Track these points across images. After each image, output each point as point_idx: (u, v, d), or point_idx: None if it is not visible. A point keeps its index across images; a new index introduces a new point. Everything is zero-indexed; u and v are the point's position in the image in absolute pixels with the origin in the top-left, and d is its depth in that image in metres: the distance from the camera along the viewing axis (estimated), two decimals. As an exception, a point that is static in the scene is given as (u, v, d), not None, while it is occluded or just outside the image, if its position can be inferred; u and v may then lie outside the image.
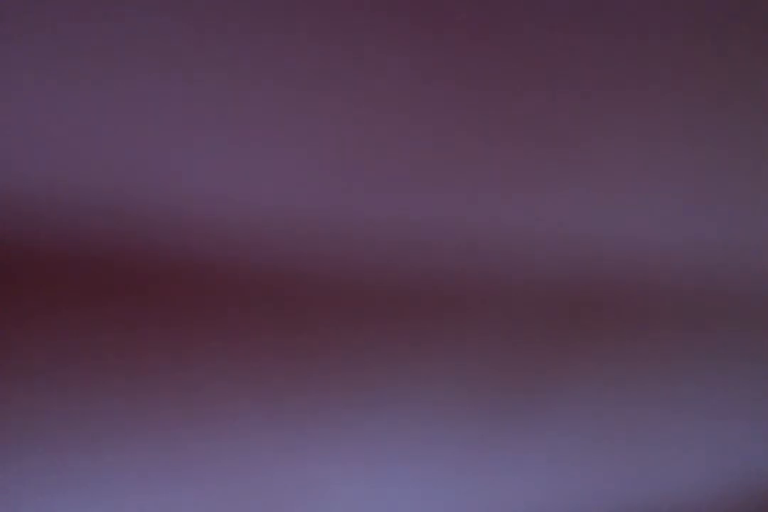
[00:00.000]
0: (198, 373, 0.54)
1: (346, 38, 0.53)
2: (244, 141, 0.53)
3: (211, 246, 0.53)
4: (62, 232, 0.51)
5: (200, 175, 0.53)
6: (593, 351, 0.58)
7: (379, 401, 0.56)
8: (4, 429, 0.51)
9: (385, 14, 0.53)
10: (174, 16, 0.51)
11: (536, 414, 0.57)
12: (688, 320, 0.59)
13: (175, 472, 0.53)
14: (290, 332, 0.55)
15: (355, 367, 0.55)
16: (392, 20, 0.54)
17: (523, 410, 0.57)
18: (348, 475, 0.56)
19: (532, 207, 0.57)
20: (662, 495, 0.61)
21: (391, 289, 0.56)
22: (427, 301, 0.56)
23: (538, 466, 0.58)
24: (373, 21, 0.53)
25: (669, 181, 0.58)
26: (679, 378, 0.59)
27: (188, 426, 0.53)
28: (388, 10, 0.53)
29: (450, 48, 0.54)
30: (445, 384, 0.56)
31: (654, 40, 0.56)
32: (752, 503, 0.64)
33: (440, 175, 0.56)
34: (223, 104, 0.53)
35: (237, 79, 0.53)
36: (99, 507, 0.53)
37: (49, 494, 0.52)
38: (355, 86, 0.54)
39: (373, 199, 0.55)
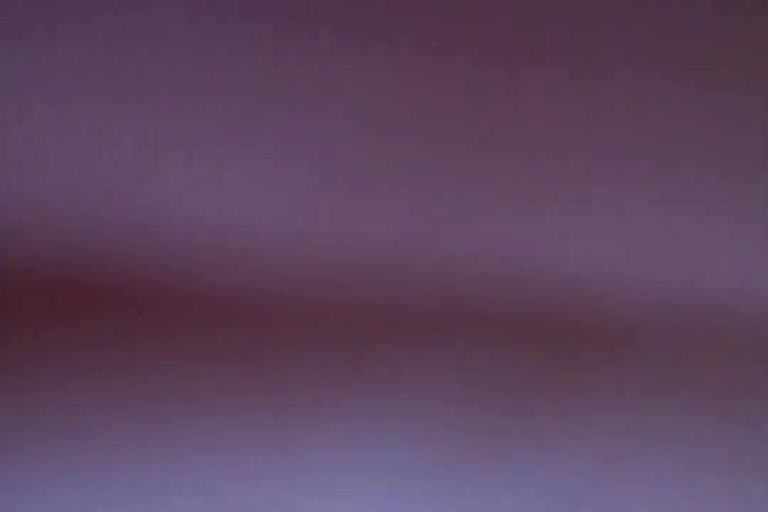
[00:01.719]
0: (199, 381, 0.54)
1: (340, 61, 0.53)
2: (238, 164, 0.53)
3: (204, 263, 0.53)
4: (51, 251, 0.52)
5: (186, 196, 0.53)
6: (583, 380, 0.58)
7: (365, 419, 0.55)
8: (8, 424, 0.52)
9: (385, 32, 0.53)
10: (167, 51, 0.52)
11: (522, 441, 0.57)
12: (681, 352, 0.59)
13: (175, 470, 0.53)
14: (285, 347, 0.55)
15: (337, 386, 0.55)
16: (389, 38, 0.54)
17: (510, 434, 0.57)
18: (338, 491, 0.56)
19: (527, 233, 0.57)
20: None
21: (382, 310, 0.56)
22: (416, 323, 0.56)
23: (522, 492, 0.58)
24: (370, 40, 0.53)
25: (667, 218, 0.58)
26: (671, 412, 0.59)
27: (189, 431, 0.53)
28: (387, 30, 0.53)
29: (442, 58, 0.54)
30: (430, 407, 0.56)
31: (654, 71, 0.56)
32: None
33: (433, 199, 0.55)
34: (214, 125, 0.53)
35: (227, 102, 0.53)
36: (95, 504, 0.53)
37: (50, 487, 0.52)
38: (345, 101, 0.54)
39: (366, 221, 0.55)
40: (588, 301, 0.58)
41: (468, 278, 0.56)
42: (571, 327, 0.57)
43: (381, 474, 0.55)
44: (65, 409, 0.52)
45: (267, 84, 0.53)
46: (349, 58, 0.53)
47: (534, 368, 0.57)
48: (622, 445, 0.57)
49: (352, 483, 0.55)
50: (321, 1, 0.52)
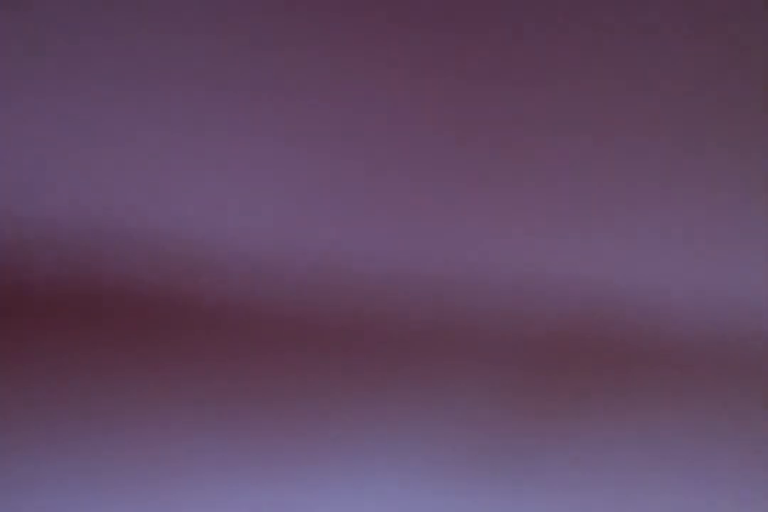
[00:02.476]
0: (202, 387, 0.54)
1: (342, 64, 0.53)
2: (236, 182, 0.53)
3: (204, 278, 0.53)
4: (57, 265, 0.52)
5: (189, 208, 0.53)
6: (586, 406, 0.57)
7: (362, 448, 0.55)
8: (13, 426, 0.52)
9: (388, 34, 0.53)
10: (170, 80, 0.52)
11: (523, 470, 0.57)
12: (691, 377, 0.58)
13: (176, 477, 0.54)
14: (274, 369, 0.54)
15: (339, 396, 0.55)
16: (394, 40, 0.54)
17: (509, 467, 0.56)
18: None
19: (533, 251, 0.56)
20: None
21: (385, 321, 0.55)
22: (414, 346, 0.56)
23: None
24: (375, 42, 0.53)
25: (682, 230, 0.57)
26: (676, 440, 0.58)
27: (192, 436, 0.53)
28: (390, 31, 0.53)
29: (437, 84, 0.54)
30: (432, 423, 0.56)
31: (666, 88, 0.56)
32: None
33: (435, 218, 0.55)
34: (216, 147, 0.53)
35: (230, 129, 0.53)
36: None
37: (55, 488, 0.53)
38: (351, 110, 0.54)
39: (367, 233, 0.55)
40: (599, 316, 0.57)
41: (472, 293, 0.56)
42: (580, 342, 0.57)
43: (384, 488, 0.54)
44: (71, 413, 0.53)
45: (270, 89, 0.53)
46: (352, 62, 0.53)
47: (541, 384, 0.57)
48: (630, 465, 0.57)
49: (355, 495, 0.54)
50: (324, 8, 0.52)
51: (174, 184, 0.53)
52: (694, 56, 0.56)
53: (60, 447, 0.52)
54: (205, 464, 0.53)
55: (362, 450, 0.55)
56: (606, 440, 0.57)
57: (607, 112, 0.56)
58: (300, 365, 0.54)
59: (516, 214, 0.56)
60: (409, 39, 0.54)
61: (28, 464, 0.52)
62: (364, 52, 0.54)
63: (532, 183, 0.56)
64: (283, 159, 0.54)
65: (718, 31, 0.56)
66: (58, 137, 0.52)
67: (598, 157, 0.56)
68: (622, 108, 0.56)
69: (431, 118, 0.55)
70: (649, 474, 0.57)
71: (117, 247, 0.53)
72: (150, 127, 0.53)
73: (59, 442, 0.52)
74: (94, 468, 0.53)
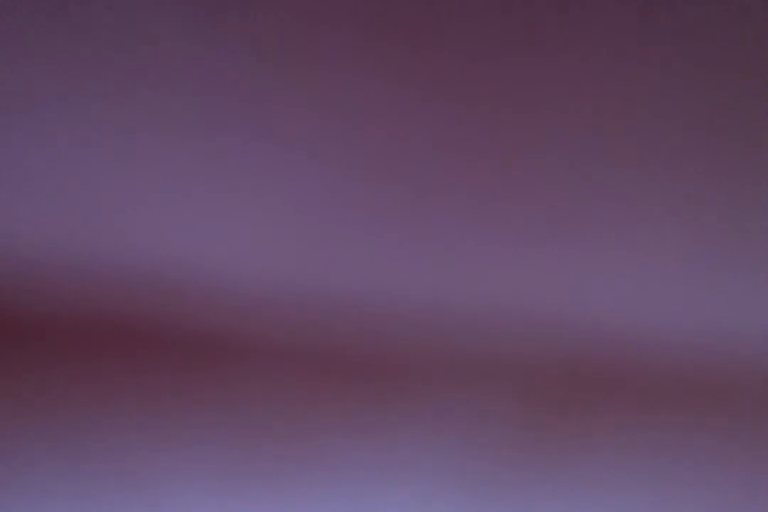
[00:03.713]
0: (214, 414, 0.54)
1: (338, 112, 0.53)
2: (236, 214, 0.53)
3: (202, 310, 0.53)
4: (53, 297, 0.52)
5: (188, 243, 0.53)
6: (591, 432, 0.57)
7: (367, 472, 0.55)
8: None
9: (383, 87, 0.53)
10: (168, 101, 0.52)
11: (532, 484, 0.57)
12: (686, 401, 0.58)
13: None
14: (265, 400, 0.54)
15: (352, 424, 0.55)
16: (392, 92, 0.54)
17: (519, 477, 0.56)
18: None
19: (531, 285, 0.56)
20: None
21: (383, 365, 0.55)
22: (417, 374, 0.55)
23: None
24: (368, 95, 0.53)
25: (670, 265, 0.58)
26: (676, 460, 0.58)
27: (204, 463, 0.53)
28: (389, 84, 0.53)
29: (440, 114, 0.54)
30: (442, 448, 0.56)
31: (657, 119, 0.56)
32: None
33: (434, 250, 0.55)
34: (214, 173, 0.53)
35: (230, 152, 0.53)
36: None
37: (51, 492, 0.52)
38: (341, 159, 0.54)
39: (361, 275, 0.55)
40: (603, 349, 0.57)
41: (478, 326, 0.56)
42: (585, 374, 0.57)
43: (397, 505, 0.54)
44: (71, 429, 0.54)
45: (273, 100, 0.53)
46: (359, 92, 0.53)
47: (546, 413, 0.57)
48: (633, 493, 0.57)
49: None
50: (331, 41, 0.52)
51: (172, 210, 0.53)
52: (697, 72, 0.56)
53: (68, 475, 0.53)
54: (207, 489, 0.53)
55: (364, 474, 0.55)
56: (604, 470, 0.57)
57: (601, 147, 0.56)
58: (303, 394, 0.54)
59: (519, 249, 0.56)
60: (413, 59, 0.54)
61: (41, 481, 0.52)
62: (370, 68, 0.53)
63: (538, 216, 0.56)
64: (289, 191, 0.54)
65: (719, 51, 0.56)
66: (59, 157, 0.52)
67: (599, 189, 0.56)
68: (614, 140, 0.56)
69: (426, 139, 0.55)
70: (653, 493, 0.58)
71: (117, 276, 0.53)
72: (150, 132, 0.52)
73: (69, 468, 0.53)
74: (99, 490, 0.53)
